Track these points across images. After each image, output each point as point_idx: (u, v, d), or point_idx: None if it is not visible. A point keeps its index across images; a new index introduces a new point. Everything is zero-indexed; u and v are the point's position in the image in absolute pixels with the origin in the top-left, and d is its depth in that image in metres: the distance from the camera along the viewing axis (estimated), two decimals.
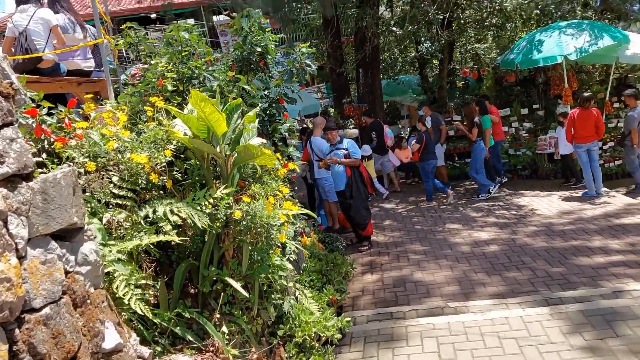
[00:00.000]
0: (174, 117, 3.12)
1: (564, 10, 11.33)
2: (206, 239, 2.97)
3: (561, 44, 9.18)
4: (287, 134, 4.37)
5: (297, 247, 3.34)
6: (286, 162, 3.79)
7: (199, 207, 2.73)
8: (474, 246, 6.45)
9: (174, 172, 3.14)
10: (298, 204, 3.81)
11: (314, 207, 9.04)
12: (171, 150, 2.93)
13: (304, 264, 4.54)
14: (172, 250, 2.99)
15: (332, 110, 12.63)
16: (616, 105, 10.22)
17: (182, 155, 3.22)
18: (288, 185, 3.83)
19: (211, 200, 2.77)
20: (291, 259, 3.62)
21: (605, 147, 9.77)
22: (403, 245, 6.89)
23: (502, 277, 5.35)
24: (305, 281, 4.17)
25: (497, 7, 9.52)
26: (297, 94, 4.45)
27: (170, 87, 3.48)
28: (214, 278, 2.99)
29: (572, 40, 9.12)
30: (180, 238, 2.61)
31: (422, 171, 9.33)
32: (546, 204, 8.15)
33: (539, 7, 10.37)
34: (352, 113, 11.41)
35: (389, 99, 15.19)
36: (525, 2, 10.03)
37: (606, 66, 10.84)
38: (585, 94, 8.29)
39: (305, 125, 10.64)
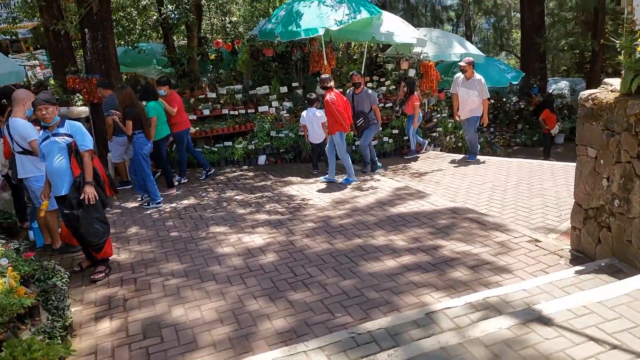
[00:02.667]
0: None
1: None
2: None
3: (321, 15, 8.48)
4: None
5: None
6: None
7: None
8: (248, 256, 5.13)
9: None
10: None
11: (24, 214, 6.51)
12: None
13: None
14: None
15: (53, 82, 9.81)
16: (369, 85, 10.15)
17: None
18: None
19: None
20: None
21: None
22: (155, 265, 5.14)
23: (289, 301, 4.14)
24: None
25: None
26: None
27: None
28: None
29: (332, 13, 8.50)
30: None
31: None
32: (317, 193, 7.36)
33: None
34: (78, 85, 8.87)
35: (129, 71, 12.77)
36: None
37: (359, 45, 10.73)
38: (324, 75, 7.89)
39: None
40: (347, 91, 8.53)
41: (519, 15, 20.18)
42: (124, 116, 7.00)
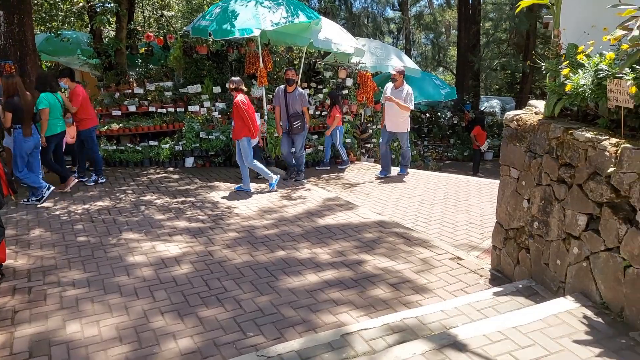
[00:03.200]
0: None
1: None
2: None
3: (258, 15, 8.22)
4: None
5: None
6: None
7: None
8: (160, 267, 4.76)
9: None
10: None
11: None
12: None
13: None
14: None
15: None
16: (307, 91, 9.98)
17: None
18: None
19: None
20: None
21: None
22: (56, 272, 4.67)
23: (199, 317, 3.84)
24: None
25: None
26: None
27: None
28: None
29: (268, 14, 8.26)
30: None
31: None
32: (244, 200, 7.06)
33: None
34: None
35: (51, 59, 11.92)
36: None
37: (300, 50, 10.56)
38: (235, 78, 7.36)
39: None
40: (277, 89, 8.11)
41: (456, 33, 20.78)
42: (4, 106, 6.38)
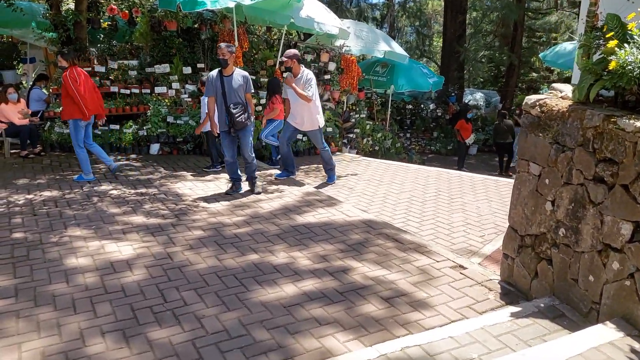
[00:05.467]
0: None
1: None
2: None
3: None
4: None
5: None
6: None
7: None
8: (108, 272, 3.98)
9: None
10: None
11: None
12: None
13: None
14: None
15: None
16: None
17: None
18: None
19: None
20: None
21: None
22: None
23: (148, 340, 3.08)
24: None
25: None
26: None
27: None
28: None
29: None
30: None
31: None
32: (214, 193, 6.27)
33: None
34: None
35: (2, 33, 10.86)
36: None
37: (278, 31, 9.75)
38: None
39: None
40: (208, 76, 6.13)
41: (440, 23, 20.17)
42: None
